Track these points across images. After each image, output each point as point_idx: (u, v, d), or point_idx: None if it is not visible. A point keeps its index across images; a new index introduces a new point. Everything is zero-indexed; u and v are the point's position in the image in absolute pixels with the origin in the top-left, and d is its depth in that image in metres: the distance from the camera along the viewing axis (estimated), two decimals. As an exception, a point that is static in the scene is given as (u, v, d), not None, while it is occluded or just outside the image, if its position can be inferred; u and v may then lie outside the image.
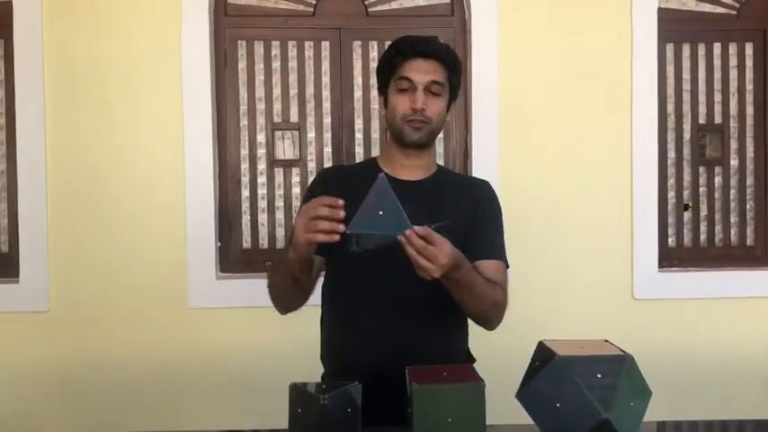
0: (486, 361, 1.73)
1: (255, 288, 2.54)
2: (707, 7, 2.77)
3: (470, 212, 1.63)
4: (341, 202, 1.31)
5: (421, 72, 1.56)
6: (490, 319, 1.60)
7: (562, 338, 2.41)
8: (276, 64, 2.67)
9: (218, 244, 2.63)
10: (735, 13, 2.76)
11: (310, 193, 1.66)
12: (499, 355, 2.52)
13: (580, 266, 2.63)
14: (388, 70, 1.61)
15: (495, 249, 1.65)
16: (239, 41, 2.66)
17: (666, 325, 2.64)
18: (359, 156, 2.68)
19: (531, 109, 2.61)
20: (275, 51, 2.67)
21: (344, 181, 1.64)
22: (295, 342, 2.36)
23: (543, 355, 1.32)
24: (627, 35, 2.63)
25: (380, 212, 1.30)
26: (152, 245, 2.55)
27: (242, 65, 2.66)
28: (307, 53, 2.67)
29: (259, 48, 2.67)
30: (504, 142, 2.59)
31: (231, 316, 2.57)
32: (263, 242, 2.68)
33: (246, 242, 2.68)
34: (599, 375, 1.22)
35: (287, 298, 1.61)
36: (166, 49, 2.54)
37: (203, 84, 2.55)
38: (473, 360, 1.72)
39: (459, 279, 1.42)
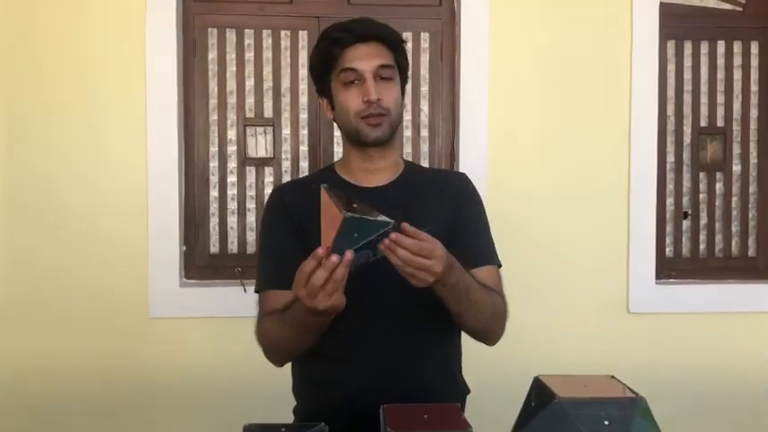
0: (475, 377, 1.59)
1: (223, 297, 2.38)
2: (711, 2, 2.60)
3: (450, 213, 1.45)
4: (320, 251, 1.11)
5: (366, 58, 1.38)
6: (491, 331, 1.42)
7: (556, 358, 2.26)
8: (249, 54, 2.47)
9: (183, 248, 2.43)
10: (740, 9, 2.60)
11: (270, 218, 1.48)
12: (489, 374, 2.37)
13: (571, 277, 2.45)
14: (326, 65, 1.43)
15: (485, 252, 1.47)
16: (209, 29, 2.45)
17: (663, 341, 2.48)
18: (337, 155, 2.48)
19: (524, 108, 2.43)
20: (249, 41, 2.47)
21: (304, 197, 1.45)
22: (259, 356, 2.18)
23: (541, 394, 1.13)
24: (626, 31, 2.46)
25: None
26: (110, 249, 2.34)
27: (212, 54, 2.46)
28: (283, 43, 2.47)
29: (231, 36, 2.46)
30: (493, 143, 2.41)
31: (196, 327, 2.37)
32: (233, 247, 2.48)
33: (214, 246, 2.48)
34: (606, 422, 1.04)
35: (295, 352, 1.41)
36: (128, 36, 2.33)
37: (169, 75, 2.35)
38: (467, 391, 1.54)
39: (456, 283, 1.24)
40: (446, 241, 1.33)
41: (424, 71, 2.50)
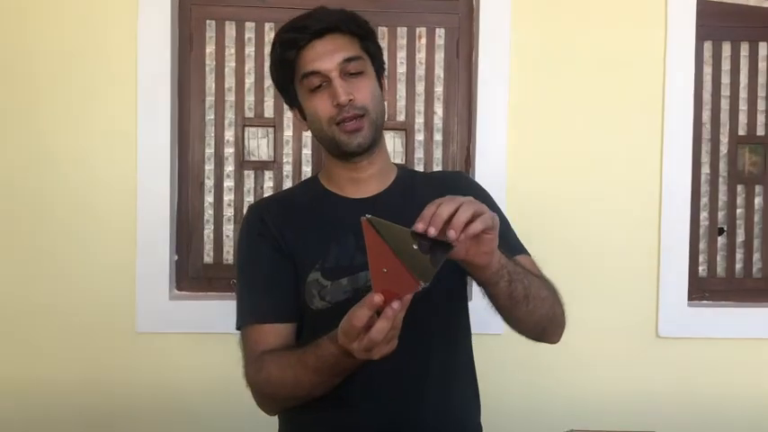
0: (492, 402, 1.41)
1: (218, 311, 2.18)
2: (751, 0, 2.39)
3: None
4: (376, 299, 0.92)
5: (325, 56, 1.20)
6: (558, 324, 1.24)
7: (578, 386, 2.05)
8: (250, 49, 2.28)
9: (175, 257, 2.25)
10: (783, 8, 2.39)
11: (250, 240, 1.28)
12: (506, 398, 2.18)
13: (595, 297, 2.25)
14: (286, 73, 1.25)
15: (513, 244, 1.28)
16: (207, 21, 2.27)
17: (694, 368, 2.27)
18: (343, 159, 2.29)
19: (547, 111, 2.23)
20: (249, 34, 2.28)
21: (287, 215, 1.27)
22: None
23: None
24: (660, 29, 2.25)
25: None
26: (95, 258, 2.16)
27: (209, 49, 2.28)
28: (285, 37, 2.28)
29: (230, 29, 2.28)
30: (513, 150, 2.21)
31: (187, 343, 2.19)
32: (229, 257, 2.30)
33: (208, 256, 2.30)
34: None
35: (308, 398, 1.18)
36: (119, 28, 2.15)
37: (162, 70, 2.17)
38: None
39: (504, 263, 1.06)
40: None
41: (439, 70, 2.31)
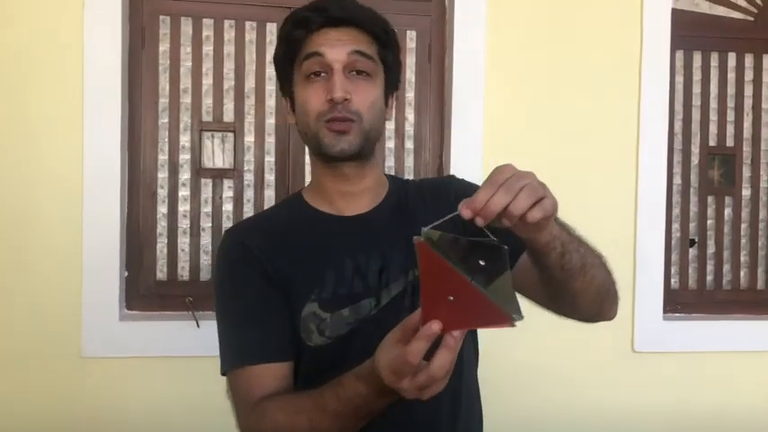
0: None
1: (172, 332, 2.00)
2: (721, 11, 2.37)
3: (462, 229, 1.13)
4: (435, 327, 0.77)
5: (336, 45, 1.06)
6: (614, 294, 1.10)
7: (554, 402, 1.95)
8: (208, 48, 2.11)
9: (125, 274, 2.05)
10: (751, 19, 2.38)
11: (233, 270, 1.11)
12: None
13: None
14: (289, 53, 1.10)
15: None
16: (161, 17, 2.09)
17: (671, 382, 2.22)
18: (308, 167, 2.15)
19: (523, 119, 2.14)
20: (207, 32, 2.11)
21: (272, 240, 1.11)
22: (218, 400, 1.83)
23: None
24: (636, 37, 2.20)
25: None
26: (36, 275, 1.94)
27: (163, 47, 2.09)
28: (248, 36, 2.12)
29: (187, 26, 2.10)
30: (489, 158, 2.11)
31: (138, 368, 1.99)
32: (184, 273, 2.12)
33: (161, 272, 2.11)
34: None
35: None
36: (64, 22, 1.95)
37: (111, 69, 1.97)
38: None
39: (564, 243, 0.93)
40: None
41: (410, 75, 2.19)
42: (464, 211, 0.79)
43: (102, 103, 1.97)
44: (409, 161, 2.19)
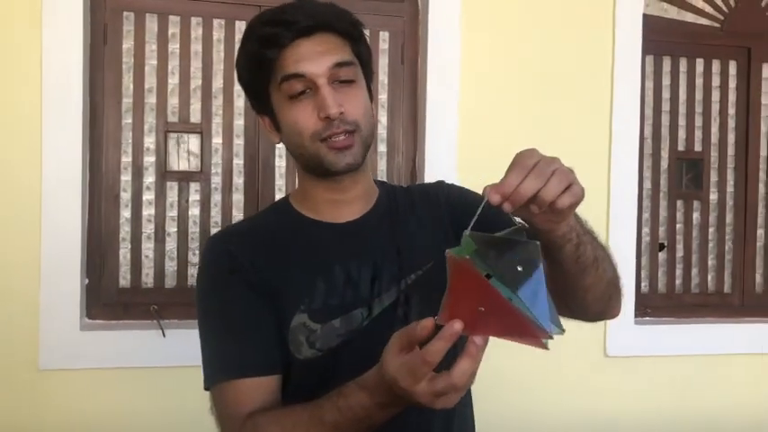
0: None
1: (136, 342, 1.92)
2: (689, 17, 2.40)
3: (451, 231, 1.10)
4: (457, 326, 0.73)
5: (314, 57, 0.99)
6: (620, 289, 1.06)
7: (527, 407, 1.92)
8: (174, 45, 2.04)
9: (86, 281, 1.96)
10: (718, 26, 2.41)
11: (218, 279, 1.05)
12: None
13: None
14: (261, 74, 1.03)
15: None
16: (125, 13, 2.00)
17: (643, 386, 2.23)
18: (279, 169, 2.09)
19: (498, 122, 2.12)
20: (174, 29, 2.04)
21: (259, 248, 1.05)
22: (186, 413, 1.76)
23: None
24: (608, 42, 2.20)
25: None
26: (-11, 282, 1.84)
27: (127, 44, 2.01)
28: (216, 34, 2.05)
29: (152, 23, 2.02)
30: (463, 162, 2.08)
31: (100, 380, 1.90)
32: (148, 279, 2.03)
33: (125, 279, 2.02)
34: None
35: None
36: (21, 16, 1.85)
37: (72, 68, 1.89)
38: None
39: (579, 234, 0.90)
40: None
41: (383, 76, 2.15)
42: (492, 195, 0.75)
43: (62, 103, 1.88)
44: (382, 165, 2.15)
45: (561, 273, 0.93)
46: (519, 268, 0.71)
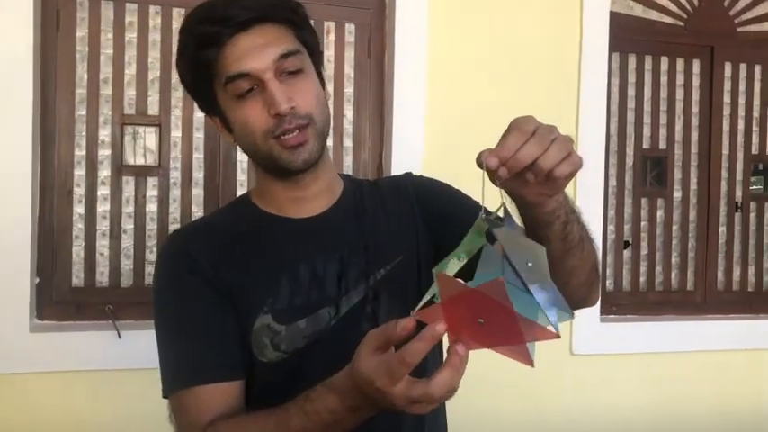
0: None
1: (90, 343, 1.84)
2: (654, 15, 2.40)
3: (423, 223, 1.07)
4: (440, 328, 0.68)
5: (256, 53, 0.94)
6: (599, 280, 1.02)
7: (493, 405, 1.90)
8: (131, 34, 1.96)
9: (36, 280, 1.87)
10: (682, 24, 2.42)
11: (175, 280, 0.99)
12: None
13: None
14: (203, 75, 0.97)
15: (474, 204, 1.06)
16: (79, 0, 1.92)
17: (609, 384, 2.23)
18: (241, 164, 2.03)
19: (466, 116, 2.08)
20: (131, 17, 1.95)
21: (220, 246, 1.00)
22: (142, 418, 1.69)
23: None
24: (575, 38, 2.19)
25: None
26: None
27: (81, 32, 1.92)
28: (175, 23, 1.97)
29: (107, 10, 1.94)
30: (430, 156, 2.05)
31: (52, 384, 1.82)
32: (103, 278, 1.95)
33: (78, 278, 1.93)
34: None
35: None
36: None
37: (22, 56, 1.79)
38: None
39: (567, 212, 0.87)
40: (434, 257, 0.99)
41: (349, 70, 2.10)
42: (490, 160, 0.72)
43: (11, 94, 1.79)
44: (348, 160, 2.10)
45: (547, 253, 0.89)
46: (529, 264, 0.68)
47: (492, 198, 0.76)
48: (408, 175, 1.18)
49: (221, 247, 1.00)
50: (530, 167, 0.73)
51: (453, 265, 0.78)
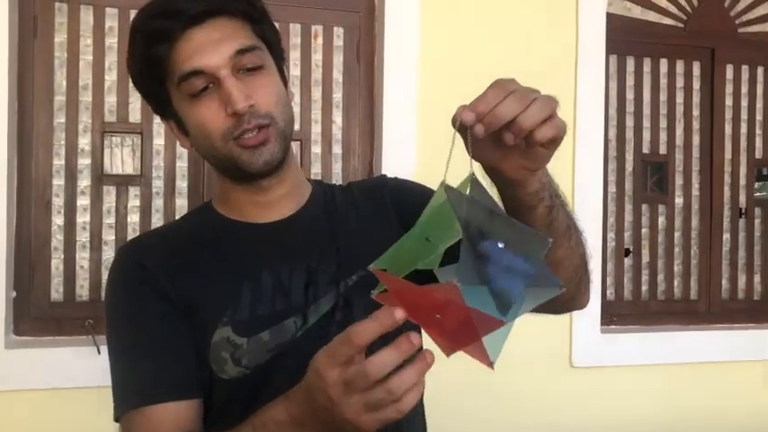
0: None
1: (69, 360, 1.77)
2: (652, 16, 2.34)
3: (396, 225, 0.97)
4: (399, 315, 0.61)
5: (210, 48, 0.87)
6: (590, 277, 0.93)
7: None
8: (112, 40, 1.90)
9: (13, 294, 1.80)
10: (682, 26, 2.35)
11: (128, 294, 0.91)
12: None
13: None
14: (154, 74, 0.90)
15: None
16: (57, 4, 1.86)
17: (610, 397, 2.15)
18: (226, 174, 1.96)
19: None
20: (111, 22, 1.90)
21: (176, 256, 0.93)
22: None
23: None
24: (571, 41, 2.12)
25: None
26: None
27: (60, 37, 1.86)
28: (157, 28, 1.92)
29: (87, 15, 1.88)
30: (423, 163, 1.97)
31: (29, 402, 1.75)
32: (83, 291, 1.88)
33: (57, 292, 1.87)
34: None
35: None
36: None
37: (-3, 60, 1.74)
38: None
39: (552, 196, 0.80)
40: None
41: (338, 74, 2.04)
42: (466, 114, 0.66)
43: (-14, 100, 1.73)
44: (337, 167, 2.03)
45: None
46: (500, 245, 0.62)
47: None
48: (383, 177, 1.11)
49: (177, 256, 0.92)
50: (509, 126, 0.67)
51: (409, 246, 0.70)
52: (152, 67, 0.89)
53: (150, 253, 0.93)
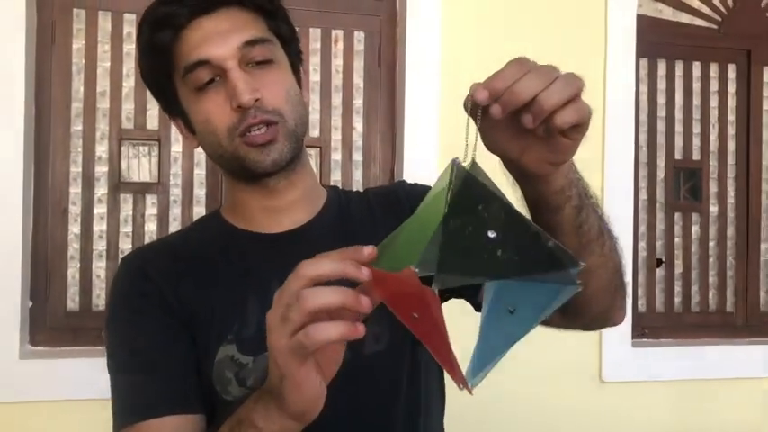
0: None
1: (85, 370, 1.73)
2: (685, 17, 2.26)
3: None
4: (367, 251, 0.62)
5: (218, 38, 0.83)
6: (625, 290, 0.85)
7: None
8: (130, 46, 1.87)
9: (29, 304, 1.78)
10: (716, 27, 2.27)
11: (130, 304, 0.87)
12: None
13: (535, 341, 1.98)
14: (160, 66, 0.87)
15: None
16: (75, 10, 1.84)
17: (640, 413, 2.06)
18: (245, 182, 1.92)
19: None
20: (129, 28, 1.87)
21: (180, 267, 0.89)
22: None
23: None
24: (600, 43, 2.05)
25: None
26: None
27: (78, 44, 1.84)
28: (175, 34, 1.89)
29: (105, 21, 1.86)
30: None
31: (44, 414, 1.72)
32: (99, 301, 1.85)
33: (73, 302, 1.84)
34: None
35: None
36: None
37: (15, 69, 1.72)
38: None
39: (581, 194, 0.73)
40: None
41: (358, 80, 1.99)
42: (479, 92, 0.59)
43: (4, 108, 1.72)
44: (357, 175, 1.98)
45: None
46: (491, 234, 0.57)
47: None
48: (402, 182, 1.07)
49: (181, 267, 0.89)
50: (528, 107, 0.60)
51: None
52: (157, 56, 0.86)
53: (154, 264, 0.89)
